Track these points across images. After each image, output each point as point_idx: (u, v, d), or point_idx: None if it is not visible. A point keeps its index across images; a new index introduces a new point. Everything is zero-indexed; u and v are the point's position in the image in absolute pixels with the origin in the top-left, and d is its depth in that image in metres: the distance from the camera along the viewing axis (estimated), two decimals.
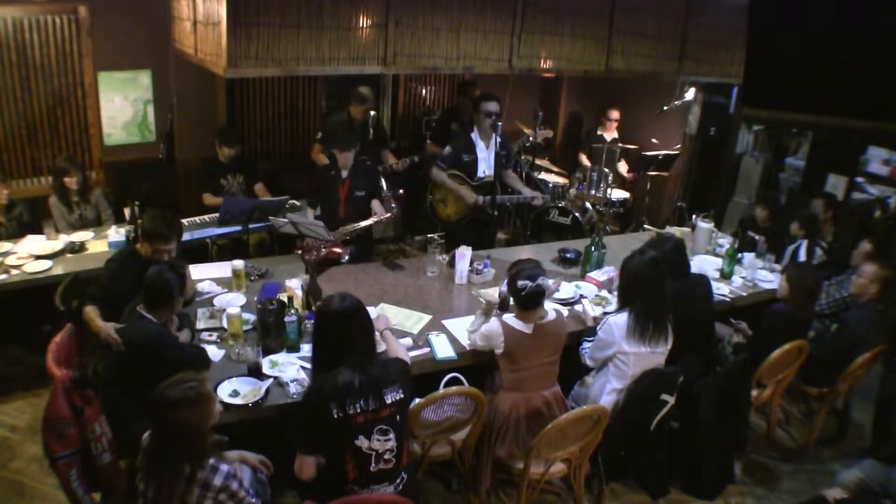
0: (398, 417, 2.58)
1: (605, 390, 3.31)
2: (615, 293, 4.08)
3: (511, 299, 3.21)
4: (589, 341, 3.42)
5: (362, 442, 2.51)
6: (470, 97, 5.85)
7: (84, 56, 5.25)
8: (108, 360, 2.94)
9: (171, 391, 2.24)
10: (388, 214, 4.57)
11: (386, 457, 2.57)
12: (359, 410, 2.48)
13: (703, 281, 3.83)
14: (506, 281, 3.25)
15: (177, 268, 3.05)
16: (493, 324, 3.16)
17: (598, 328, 3.37)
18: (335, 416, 2.46)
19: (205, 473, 2.26)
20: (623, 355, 3.25)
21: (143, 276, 2.95)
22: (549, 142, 7.28)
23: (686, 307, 3.50)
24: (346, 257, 4.38)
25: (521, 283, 3.07)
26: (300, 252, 4.17)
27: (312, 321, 3.00)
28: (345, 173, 4.63)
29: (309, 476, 2.57)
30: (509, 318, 3.16)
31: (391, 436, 2.56)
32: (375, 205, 4.63)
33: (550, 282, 3.42)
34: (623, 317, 3.24)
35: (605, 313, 3.76)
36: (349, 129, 5.20)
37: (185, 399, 2.23)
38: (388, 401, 2.55)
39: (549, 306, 3.28)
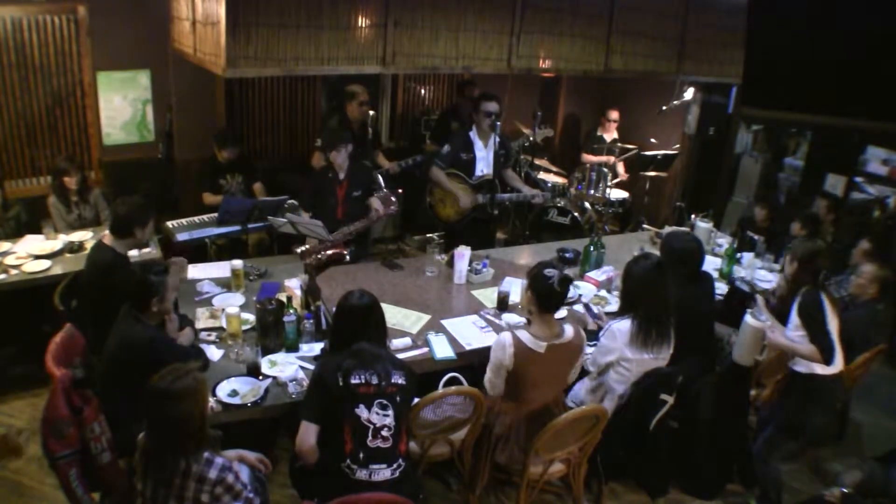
0: (398, 398, 2.66)
1: (607, 396, 3.31)
2: (614, 293, 4.09)
3: (530, 300, 3.05)
4: (590, 345, 3.40)
5: (362, 411, 2.60)
6: (469, 97, 5.86)
7: (83, 56, 5.25)
8: (106, 361, 2.94)
9: (167, 383, 2.23)
10: (391, 209, 4.56)
11: (384, 433, 2.63)
12: (362, 381, 2.61)
13: (706, 279, 3.83)
14: (525, 283, 3.08)
15: (156, 267, 3.03)
16: (504, 336, 3.00)
17: (600, 334, 3.34)
18: (340, 383, 2.60)
19: (199, 467, 2.26)
20: (626, 362, 3.24)
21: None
22: (548, 141, 7.28)
23: (688, 307, 3.49)
24: (348, 258, 4.40)
25: (548, 271, 2.94)
26: (300, 252, 4.18)
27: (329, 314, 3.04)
28: (342, 174, 4.62)
29: (309, 447, 2.62)
30: (522, 332, 3.00)
31: (390, 412, 2.63)
32: (374, 201, 4.62)
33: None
34: (626, 323, 3.22)
35: (605, 314, 3.78)
36: (346, 129, 5.19)
37: (184, 389, 2.23)
38: (393, 380, 2.66)
39: (562, 313, 3.23)
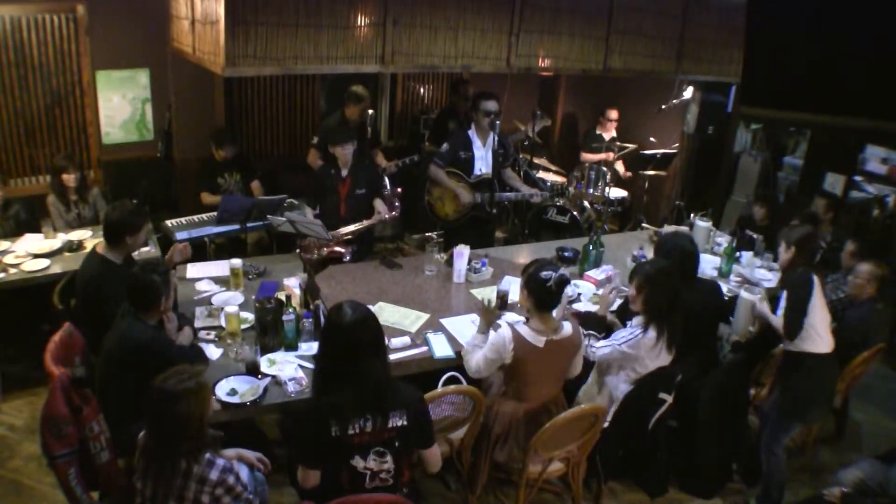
0: (397, 444, 2.46)
1: (617, 398, 3.32)
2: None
3: (526, 298, 3.02)
4: (591, 335, 3.38)
5: (358, 462, 2.43)
6: (463, 95, 5.86)
7: (82, 55, 5.25)
8: (105, 360, 2.93)
9: (172, 384, 2.23)
10: (392, 213, 4.57)
11: (382, 476, 2.49)
12: (356, 431, 2.38)
13: (713, 284, 3.84)
14: (521, 282, 3.05)
15: (159, 267, 3.00)
16: (504, 331, 2.99)
17: (623, 343, 3.28)
18: (333, 434, 2.36)
19: (201, 468, 2.26)
20: (641, 367, 3.26)
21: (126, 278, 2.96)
22: (546, 136, 7.27)
23: (686, 307, 3.48)
24: (348, 257, 4.39)
25: (545, 273, 2.90)
26: (299, 251, 4.18)
27: (320, 332, 2.85)
28: (345, 171, 4.62)
29: (313, 486, 2.50)
30: (521, 326, 3.00)
31: (388, 458, 2.46)
32: (378, 203, 4.62)
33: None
34: (650, 334, 3.23)
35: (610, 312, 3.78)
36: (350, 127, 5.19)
37: (187, 391, 2.22)
38: (390, 424, 2.42)
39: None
